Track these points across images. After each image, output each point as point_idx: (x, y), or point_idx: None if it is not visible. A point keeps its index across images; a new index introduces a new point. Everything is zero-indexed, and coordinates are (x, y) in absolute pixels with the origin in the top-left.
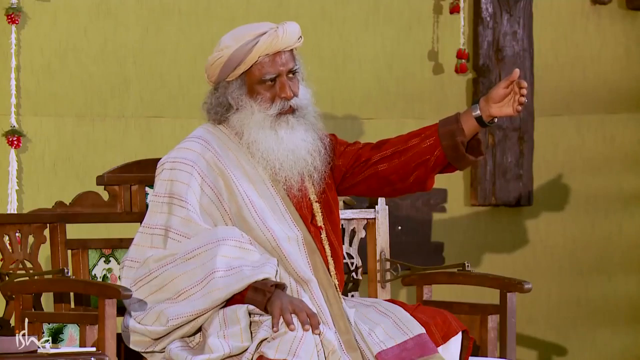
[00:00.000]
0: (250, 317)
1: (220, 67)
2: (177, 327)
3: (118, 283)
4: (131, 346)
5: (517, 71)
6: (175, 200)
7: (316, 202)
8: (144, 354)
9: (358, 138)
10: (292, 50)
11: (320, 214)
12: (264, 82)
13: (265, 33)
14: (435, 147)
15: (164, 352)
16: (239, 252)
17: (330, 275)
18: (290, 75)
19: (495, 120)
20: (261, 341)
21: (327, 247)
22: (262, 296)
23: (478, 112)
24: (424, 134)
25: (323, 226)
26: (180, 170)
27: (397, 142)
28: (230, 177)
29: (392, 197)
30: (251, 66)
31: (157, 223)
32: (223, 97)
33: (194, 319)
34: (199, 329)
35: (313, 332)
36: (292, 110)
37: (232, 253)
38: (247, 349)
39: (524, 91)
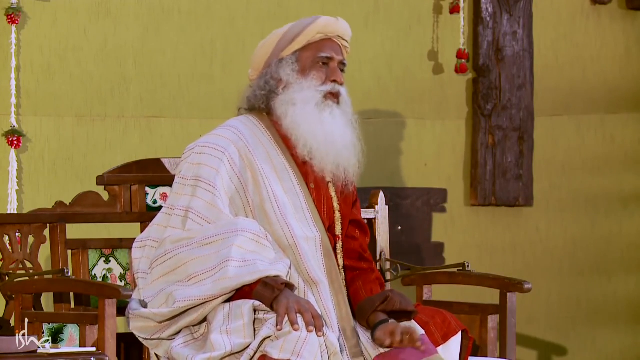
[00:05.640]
0: (255, 313)
1: (275, 43)
2: (184, 312)
3: (118, 283)
4: (135, 331)
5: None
6: (202, 184)
7: (338, 211)
8: (148, 343)
9: None
10: (340, 46)
11: (340, 224)
12: (317, 62)
13: (323, 17)
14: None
15: (170, 340)
16: (255, 246)
17: (342, 281)
18: (341, 66)
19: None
20: (264, 339)
21: (340, 256)
22: (270, 292)
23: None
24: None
25: (340, 236)
26: (210, 155)
27: (356, 283)
28: (258, 169)
29: None
30: (307, 44)
31: (179, 205)
32: (275, 73)
33: (201, 304)
34: (205, 319)
35: (317, 334)
36: (338, 99)
37: (249, 246)
38: (249, 346)
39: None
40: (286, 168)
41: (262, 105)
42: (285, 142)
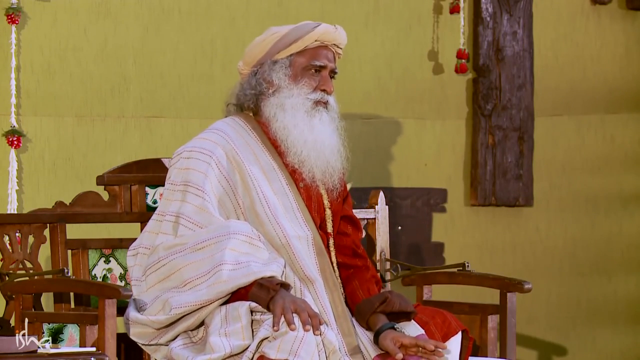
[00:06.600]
0: (252, 315)
1: (272, 44)
2: (181, 318)
3: (118, 283)
4: (133, 338)
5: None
6: (191, 189)
7: (329, 208)
8: (146, 348)
9: (358, 138)
10: (334, 54)
11: (330, 221)
12: (310, 69)
13: (323, 24)
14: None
15: (168, 345)
16: (248, 248)
17: (336, 278)
18: (332, 74)
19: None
20: (262, 340)
21: (333, 253)
22: (266, 293)
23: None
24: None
25: (332, 233)
26: (198, 160)
27: (352, 283)
28: (246, 171)
29: None
30: (304, 49)
31: (169, 210)
32: (267, 74)
33: (198, 309)
34: (203, 323)
35: (314, 332)
36: (327, 106)
37: (241, 248)
38: (247, 348)
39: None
40: (274, 169)
41: (250, 104)
42: (272, 143)
